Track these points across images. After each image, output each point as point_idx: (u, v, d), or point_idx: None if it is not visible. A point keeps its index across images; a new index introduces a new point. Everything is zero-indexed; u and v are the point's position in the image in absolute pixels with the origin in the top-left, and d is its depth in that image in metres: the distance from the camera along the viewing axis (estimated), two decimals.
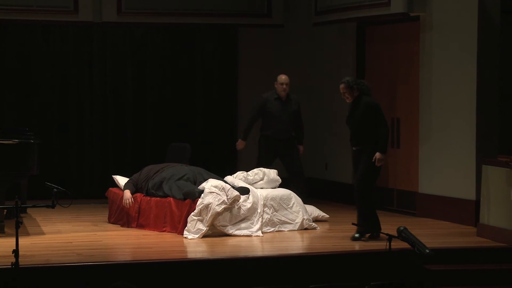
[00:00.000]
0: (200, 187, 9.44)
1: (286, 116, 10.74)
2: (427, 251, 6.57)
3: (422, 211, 10.60)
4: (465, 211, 9.89)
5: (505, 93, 9.92)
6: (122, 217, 10.02)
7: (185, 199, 9.39)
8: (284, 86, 10.73)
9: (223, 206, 9.14)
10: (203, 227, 9.10)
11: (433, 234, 9.27)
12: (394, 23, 11.28)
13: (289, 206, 9.72)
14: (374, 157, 8.84)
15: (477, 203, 9.49)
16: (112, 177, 10.65)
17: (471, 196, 9.75)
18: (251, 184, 9.87)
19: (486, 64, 9.84)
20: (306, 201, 10.24)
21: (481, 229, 9.20)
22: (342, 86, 9.03)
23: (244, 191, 9.48)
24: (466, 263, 8.46)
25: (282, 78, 10.76)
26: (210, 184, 9.33)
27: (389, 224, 9.32)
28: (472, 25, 9.85)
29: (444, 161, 10.26)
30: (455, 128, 10.10)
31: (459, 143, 10.05)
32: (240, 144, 11.02)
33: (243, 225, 9.33)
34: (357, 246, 8.68)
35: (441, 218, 10.25)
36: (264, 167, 10.18)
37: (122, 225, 9.95)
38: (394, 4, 10.58)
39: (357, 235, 8.98)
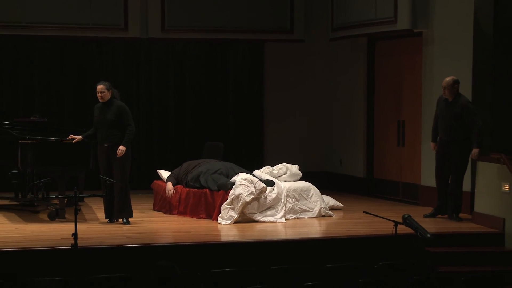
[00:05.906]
0: (232, 180, 9.46)
1: (448, 118, 9.17)
2: (428, 235, 6.53)
3: (424, 200, 10.55)
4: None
5: (497, 97, 9.84)
6: (165, 206, 10.07)
7: (219, 190, 9.43)
8: (445, 90, 9.21)
9: (251, 196, 9.16)
10: (234, 214, 9.14)
11: (434, 221, 9.23)
12: (400, 38, 11.25)
13: (308, 197, 9.73)
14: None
15: (472, 195, 9.43)
16: (156, 171, 10.70)
17: (467, 188, 9.68)
18: (276, 178, 9.89)
19: (481, 72, 9.76)
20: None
21: (475, 217, 9.16)
22: (101, 86, 8.85)
23: (269, 183, 9.50)
24: (461, 246, 8.43)
25: (444, 81, 9.22)
26: (241, 177, 9.36)
27: (395, 212, 9.30)
28: (468, 39, 9.79)
29: None
30: None
31: None
32: (433, 147, 9.52)
33: (269, 212, 9.35)
34: (367, 231, 8.68)
35: None
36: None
37: (165, 212, 9.99)
38: (401, 21, 10.57)
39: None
